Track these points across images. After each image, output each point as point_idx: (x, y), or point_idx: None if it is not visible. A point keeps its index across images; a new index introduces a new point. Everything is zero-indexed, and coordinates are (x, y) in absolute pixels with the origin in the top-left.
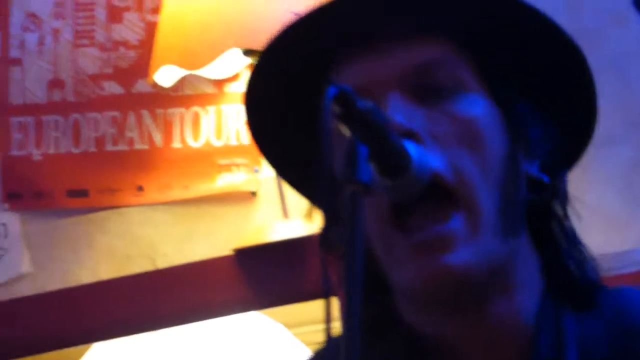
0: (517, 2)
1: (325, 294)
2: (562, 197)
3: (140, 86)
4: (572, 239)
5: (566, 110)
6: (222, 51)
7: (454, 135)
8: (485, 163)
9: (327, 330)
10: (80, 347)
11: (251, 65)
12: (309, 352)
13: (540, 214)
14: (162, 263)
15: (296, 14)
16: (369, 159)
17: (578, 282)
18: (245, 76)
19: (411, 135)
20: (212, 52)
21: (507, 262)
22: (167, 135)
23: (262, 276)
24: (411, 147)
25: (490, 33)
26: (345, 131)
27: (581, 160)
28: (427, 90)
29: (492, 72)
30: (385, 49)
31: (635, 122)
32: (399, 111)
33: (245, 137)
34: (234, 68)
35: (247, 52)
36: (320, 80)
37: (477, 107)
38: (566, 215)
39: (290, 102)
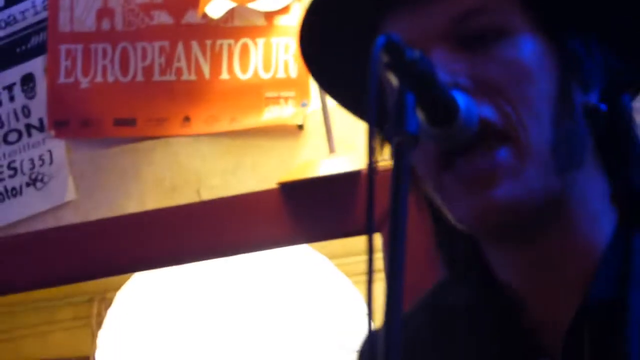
0: None
1: (368, 231)
2: (628, 120)
3: (190, 17)
4: None
5: (628, 35)
6: None
7: (501, 79)
8: (534, 102)
9: (370, 263)
10: (122, 276)
11: None
12: (350, 283)
13: (607, 140)
14: (208, 195)
15: None
16: (416, 108)
17: None
18: (296, 8)
19: (457, 87)
20: None
21: (567, 196)
22: (215, 66)
23: (307, 211)
24: (459, 96)
25: None
26: (394, 80)
27: None
28: (472, 38)
29: (540, 7)
30: (426, 2)
31: None
32: (443, 67)
33: (293, 70)
34: (285, 0)
35: None
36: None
37: (523, 47)
38: (633, 136)
39: (345, 34)
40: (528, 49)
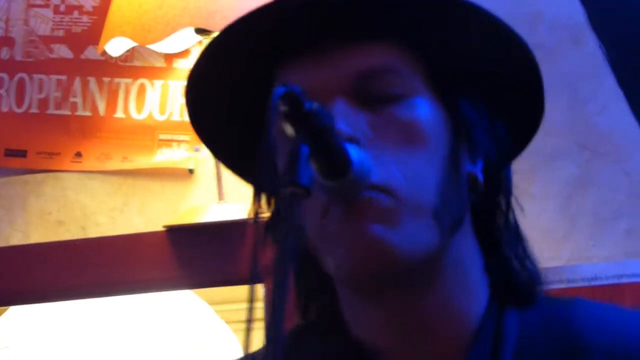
0: (463, 3)
1: (252, 281)
2: (506, 192)
3: (90, 52)
4: (515, 233)
5: (514, 105)
6: (175, 29)
7: (396, 139)
8: (426, 164)
9: (250, 312)
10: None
11: (202, 43)
12: (230, 330)
13: (484, 210)
14: (94, 232)
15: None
16: (310, 159)
17: (519, 276)
18: (196, 53)
19: (353, 141)
20: (165, 29)
21: (444, 260)
22: (111, 104)
23: (191, 256)
24: (353, 151)
25: (438, 35)
26: (290, 130)
27: (528, 173)
28: (372, 96)
29: (439, 73)
30: (330, 54)
31: (582, 141)
32: (342, 118)
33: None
34: (185, 44)
35: (199, 31)
36: (266, 76)
37: (420, 109)
38: (510, 210)
39: (235, 93)
40: (425, 113)
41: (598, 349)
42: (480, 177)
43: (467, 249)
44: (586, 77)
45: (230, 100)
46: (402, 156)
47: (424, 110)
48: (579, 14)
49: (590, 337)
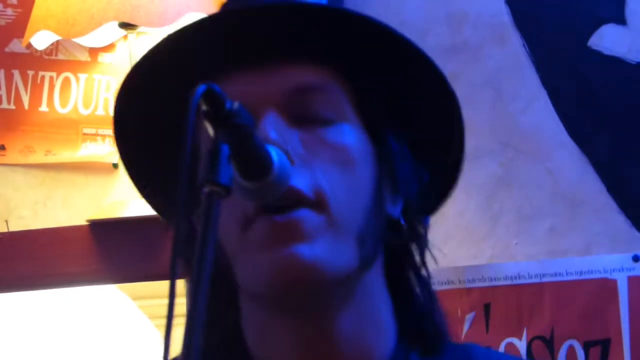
0: (395, 36)
1: (171, 277)
2: (421, 242)
3: (14, 45)
4: (426, 286)
5: (436, 154)
6: (100, 23)
7: (324, 159)
8: (351, 187)
9: (170, 308)
10: None
11: (127, 37)
12: (153, 325)
13: (396, 256)
14: (17, 225)
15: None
16: (230, 159)
17: (428, 327)
18: (121, 47)
19: (276, 145)
20: (90, 23)
21: (358, 287)
22: (35, 97)
23: (114, 250)
24: (274, 152)
25: (370, 66)
26: (210, 130)
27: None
28: (303, 115)
29: (369, 105)
30: (265, 70)
31: (506, 139)
32: (272, 127)
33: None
34: (110, 38)
35: (124, 25)
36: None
37: (350, 136)
38: (423, 261)
39: (164, 110)
40: (354, 140)
41: None
42: (402, 220)
43: (378, 288)
44: (510, 75)
45: (159, 117)
46: (332, 174)
47: (353, 138)
48: (503, 13)
49: None
